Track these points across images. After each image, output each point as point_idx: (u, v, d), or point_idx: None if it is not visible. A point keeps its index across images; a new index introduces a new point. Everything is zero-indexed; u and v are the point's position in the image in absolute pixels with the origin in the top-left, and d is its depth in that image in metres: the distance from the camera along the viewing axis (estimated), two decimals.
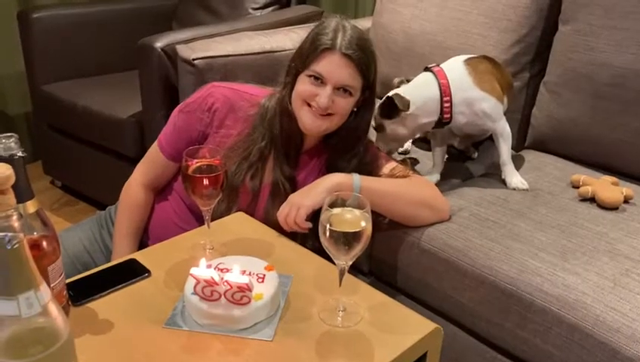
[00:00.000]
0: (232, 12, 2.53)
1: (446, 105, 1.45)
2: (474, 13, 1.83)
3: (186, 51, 1.84)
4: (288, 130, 1.28)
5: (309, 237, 1.19)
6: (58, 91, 2.35)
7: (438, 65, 1.50)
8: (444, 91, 1.44)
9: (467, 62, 1.50)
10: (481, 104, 1.46)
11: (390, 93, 1.45)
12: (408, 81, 1.52)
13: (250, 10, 2.50)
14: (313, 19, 2.37)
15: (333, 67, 1.18)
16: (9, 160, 0.75)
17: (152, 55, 1.91)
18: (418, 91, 1.46)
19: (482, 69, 1.49)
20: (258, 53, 1.95)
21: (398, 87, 1.52)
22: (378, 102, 1.45)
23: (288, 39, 2.02)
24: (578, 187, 1.48)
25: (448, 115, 1.46)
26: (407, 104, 1.41)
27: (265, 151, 1.29)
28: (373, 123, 1.47)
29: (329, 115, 1.22)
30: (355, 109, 1.27)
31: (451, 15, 1.88)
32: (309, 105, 1.22)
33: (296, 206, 1.17)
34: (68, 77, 2.43)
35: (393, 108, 1.43)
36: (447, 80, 1.45)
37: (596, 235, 1.30)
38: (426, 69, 1.50)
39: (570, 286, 1.14)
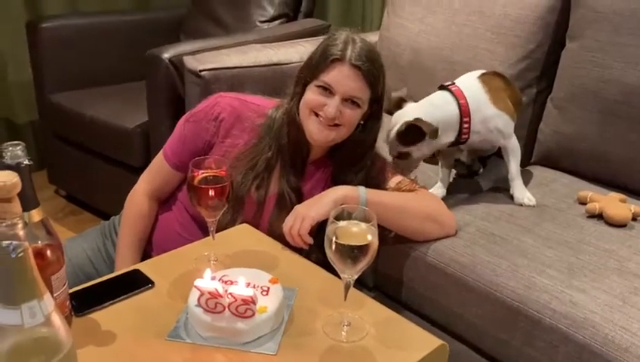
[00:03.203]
0: (240, 25, 2.54)
1: (465, 125, 1.41)
2: (481, 28, 1.83)
3: (193, 63, 1.84)
4: (295, 140, 1.27)
5: (313, 250, 1.18)
6: (65, 101, 2.36)
7: (454, 84, 1.46)
8: (464, 111, 1.41)
9: (481, 79, 1.48)
10: (496, 121, 1.45)
11: (407, 118, 1.37)
12: (403, 99, 1.46)
13: (258, 23, 2.51)
14: (320, 33, 2.38)
15: (342, 78, 1.19)
16: (15, 168, 0.75)
17: (160, 66, 1.92)
18: (438, 112, 1.40)
19: (496, 86, 1.48)
20: (265, 65, 1.95)
21: (399, 106, 1.46)
22: (393, 129, 1.39)
23: (295, 52, 2.03)
24: (585, 203, 1.47)
25: (467, 135, 1.43)
26: (435, 131, 1.36)
27: (271, 161, 1.29)
28: (392, 153, 1.41)
29: (336, 125, 1.22)
30: (362, 122, 1.27)
31: (458, 30, 1.88)
32: (316, 115, 1.22)
33: (301, 217, 1.16)
34: (75, 86, 2.44)
35: (417, 134, 1.37)
36: (466, 99, 1.41)
37: (604, 253, 1.28)
38: (442, 88, 1.47)
39: (578, 304, 1.13)
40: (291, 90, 1.28)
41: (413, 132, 1.37)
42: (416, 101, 1.46)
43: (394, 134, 1.40)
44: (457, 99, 1.42)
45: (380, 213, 1.10)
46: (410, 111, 1.41)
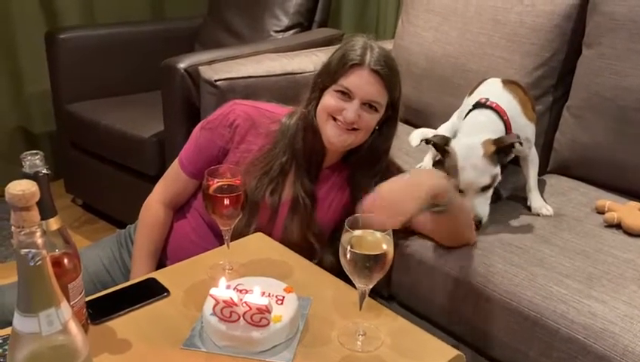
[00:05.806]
0: (254, 35, 2.56)
1: None
2: (496, 36, 1.82)
3: (208, 72, 1.86)
4: (311, 144, 1.28)
5: (327, 256, 1.18)
6: (82, 110, 2.39)
7: (488, 100, 1.43)
8: (508, 128, 1.40)
9: (508, 88, 1.47)
10: (526, 131, 1.45)
11: (476, 140, 1.32)
12: (447, 138, 1.39)
13: (272, 33, 2.53)
14: (334, 42, 2.38)
15: (362, 82, 1.20)
16: (34, 177, 0.76)
17: (175, 75, 1.93)
18: (489, 133, 1.36)
19: (522, 96, 1.48)
20: (279, 74, 1.96)
21: (447, 143, 1.36)
22: (472, 159, 1.30)
23: (310, 61, 2.03)
24: (603, 213, 1.45)
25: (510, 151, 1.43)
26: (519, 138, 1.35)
27: (286, 166, 1.30)
28: (485, 181, 1.31)
29: (354, 129, 1.23)
30: (378, 127, 1.28)
31: (473, 38, 1.87)
32: (334, 119, 1.22)
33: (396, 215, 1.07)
34: (92, 96, 2.46)
35: (504, 153, 1.34)
36: (508, 116, 1.40)
37: (623, 262, 1.26)
38: (480, 106, 1.43)
39: (596, 315, 1.11)
40: (307, 96, 1.29)
41: (505, 152, 1.34)
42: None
43: (482, 158, 1.30)
44: (501, 116, 1.40)
45: (457, 213, 1.12)
46: (471, 137, 1.35)
